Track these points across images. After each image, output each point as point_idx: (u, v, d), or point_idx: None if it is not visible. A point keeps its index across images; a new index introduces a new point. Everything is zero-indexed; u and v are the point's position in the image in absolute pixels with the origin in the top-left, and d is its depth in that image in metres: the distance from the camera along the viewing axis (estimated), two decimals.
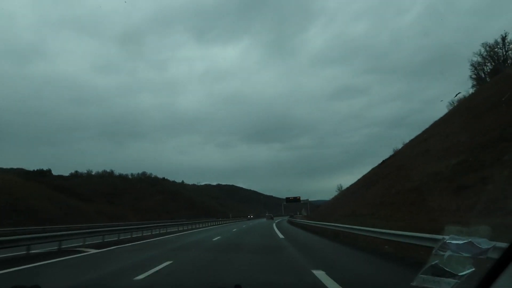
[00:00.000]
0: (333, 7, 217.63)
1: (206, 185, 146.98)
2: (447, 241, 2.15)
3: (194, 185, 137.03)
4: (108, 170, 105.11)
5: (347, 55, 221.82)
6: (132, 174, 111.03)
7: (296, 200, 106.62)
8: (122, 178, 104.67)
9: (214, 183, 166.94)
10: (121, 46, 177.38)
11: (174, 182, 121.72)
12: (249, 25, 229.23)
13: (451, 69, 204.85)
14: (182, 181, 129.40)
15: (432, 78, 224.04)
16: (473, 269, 2.04)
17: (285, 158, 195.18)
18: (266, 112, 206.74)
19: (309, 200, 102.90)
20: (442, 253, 2.13)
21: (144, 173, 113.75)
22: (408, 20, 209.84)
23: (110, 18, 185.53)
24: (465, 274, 2.06)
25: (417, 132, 41.85)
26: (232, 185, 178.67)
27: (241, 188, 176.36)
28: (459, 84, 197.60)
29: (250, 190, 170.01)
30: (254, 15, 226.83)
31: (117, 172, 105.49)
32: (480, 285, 1.90)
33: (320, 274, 7.47)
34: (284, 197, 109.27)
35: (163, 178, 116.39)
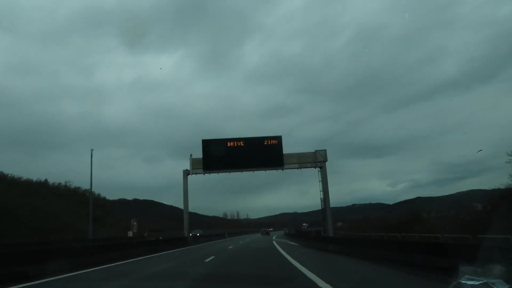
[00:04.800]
0: (270, 24, 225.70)
1: (120, 199, 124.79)
2: (462, 282, 2.59)
3: (63, 185, 66.29)
4: None
5: (281, 73, 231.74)
6: None
7: (268, 145, 37.28)
8: None
9: (130, 198, 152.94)
10: (41, 46, 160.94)
11: None
12: (185, 35, 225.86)
13: (375, 94, 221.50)
14: (47, 180, 64.02)
15: (357, 101, 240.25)
16: None
17: (213, 176, 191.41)
18: (198, 127, 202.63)
19: (248, 217, 49.57)
20: None
21: None
22: (340, 43, 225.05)
23: (30, 13, 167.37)
24: None
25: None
26: (152, 201, 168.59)
27: (161, 204, 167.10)
28: (385, 107, 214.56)
29: (171, 206, 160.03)
30: (190, 25, 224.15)
31: None
32: None
33: None
34: (211, 214, 51.83)
35: None
